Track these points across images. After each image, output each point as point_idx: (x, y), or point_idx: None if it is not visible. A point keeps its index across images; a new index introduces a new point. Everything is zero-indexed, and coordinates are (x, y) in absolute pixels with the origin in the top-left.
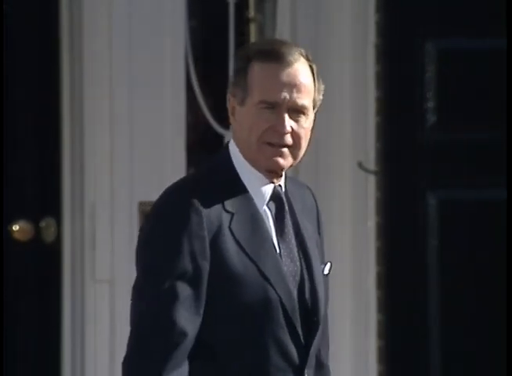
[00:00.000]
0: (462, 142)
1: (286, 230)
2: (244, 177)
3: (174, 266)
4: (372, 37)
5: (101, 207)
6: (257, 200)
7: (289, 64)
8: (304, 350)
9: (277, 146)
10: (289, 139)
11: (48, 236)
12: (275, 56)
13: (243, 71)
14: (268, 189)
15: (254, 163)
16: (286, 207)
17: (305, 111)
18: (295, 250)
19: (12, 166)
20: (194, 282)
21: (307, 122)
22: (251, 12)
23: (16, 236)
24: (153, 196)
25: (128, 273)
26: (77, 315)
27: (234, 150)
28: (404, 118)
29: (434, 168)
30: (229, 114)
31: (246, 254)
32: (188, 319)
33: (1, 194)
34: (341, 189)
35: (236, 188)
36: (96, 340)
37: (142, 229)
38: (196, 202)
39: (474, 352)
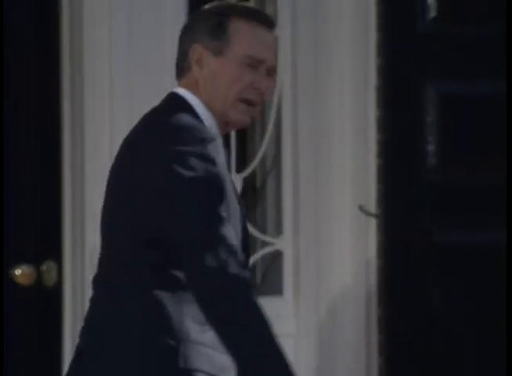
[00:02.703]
0: (462, 185)
1: None
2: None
3: None
4: (373, 80)
5: None
6: None
7: (273, 28)
8: None
9: (251, 103)
10: (261, 98)
11: (50, 279)
12: (260, 16)
13: (221, 25)
14: None
15: (220, 116)
16: None
17: (274, 75)
18: None
19: (13, 210)
20: None
21: None
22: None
23: (19, 280)
24: None
25: None
26: None
27: (193, 99)
28: (405, 161)
29: (434, 210)
30: (193, 64)
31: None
32: None
33: (2, 239)
34: (342, 232)
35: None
36: None
37: None
38: None
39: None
